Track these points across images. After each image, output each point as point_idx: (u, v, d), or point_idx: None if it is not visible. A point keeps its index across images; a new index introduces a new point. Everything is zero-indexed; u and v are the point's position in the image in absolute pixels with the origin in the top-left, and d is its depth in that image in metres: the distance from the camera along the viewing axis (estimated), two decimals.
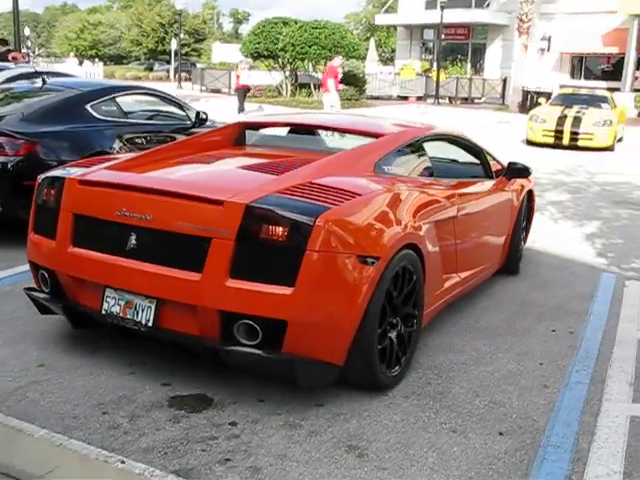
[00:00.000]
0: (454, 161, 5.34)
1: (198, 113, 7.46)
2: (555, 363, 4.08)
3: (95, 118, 6.41)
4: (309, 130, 4.65)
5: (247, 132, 4.62)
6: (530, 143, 16.53)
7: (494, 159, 5.38)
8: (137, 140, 6.68)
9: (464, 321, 4.71)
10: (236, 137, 4.59)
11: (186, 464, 2.86)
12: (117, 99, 6.75)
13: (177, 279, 3.17)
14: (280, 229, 3.00)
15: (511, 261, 5.53)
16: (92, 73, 36.57)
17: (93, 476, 2.57)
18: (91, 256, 3.43)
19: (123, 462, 2.58)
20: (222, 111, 17.77)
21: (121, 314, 3.36)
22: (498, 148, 14.82)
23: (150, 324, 3.28)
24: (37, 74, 8.19)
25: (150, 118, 7.35)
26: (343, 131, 4.47)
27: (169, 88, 30.34)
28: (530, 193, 5.85)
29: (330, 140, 4.56)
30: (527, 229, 6.06)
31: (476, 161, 5.13)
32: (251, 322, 3.07)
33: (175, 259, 3.20)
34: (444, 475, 2.87)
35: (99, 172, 3.70)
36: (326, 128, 4.59)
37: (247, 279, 3.05)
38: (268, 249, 3.04)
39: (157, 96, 7.50)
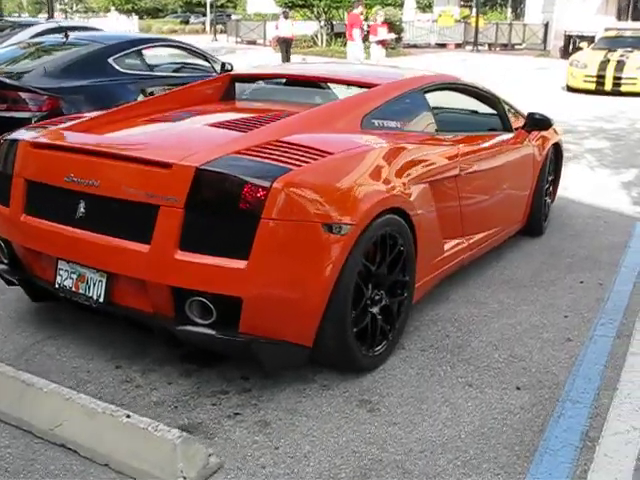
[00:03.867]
0: (468, 113, 5.06)
1: (223, 65, 7.36)
2: (581, 316, 3.95)
3: (118, 72, 6.35)
4: (305, 82, 4.33)
5: (239, 85, 4.41)
6: (571, 90, 15.97)
7: (515, 110, 5.12)
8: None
9: (489, 273, 4.59)
10: (225, 91, 4.37)
11: (195, 418, 2.85)
12: (141, 52, 6.68)
13: (125, 251, 2.90)
14: (232, 195, 2.70)
15: (534, 221, 5.22)
16: (127, 27, 36.40)
17: (100, 430, 2.57)
18: (42, 225, 3.17)
19: (129, 416, 2.58)
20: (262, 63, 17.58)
21: (73, 288, 3.12)
22: (537, 95, 14.49)
23: (102, 300, 3.04)
24: (61, 29, 8.14)
25: (175, 71, 7.27)
26: (335, 82, 4.18)
27: (204, 41, 30.08)
28: (557, 146, 5.54)
29: (326, 93, 4.26)
30: (555, 185, 5.77)
31: (492, 113, 4.89)
32: (203, 299, 2.79)
33: (124, 229, 2.93)
34: (456, 430, 2.80)
35: (53, 134, 3.41)
36: (317, 79, 4.29)
37: (198, 251, 2.76)
38: (220, 218, 2.75)
39: (182, 48, 7.41)
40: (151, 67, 6.79)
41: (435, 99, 5.12)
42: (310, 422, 2.84)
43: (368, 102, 3.69)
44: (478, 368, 3.31)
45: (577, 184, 7.06)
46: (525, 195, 5.05)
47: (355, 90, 4.00)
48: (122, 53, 6.43)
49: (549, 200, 5.57)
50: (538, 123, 4.81)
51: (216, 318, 2.84)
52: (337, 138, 3.33)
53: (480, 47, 29.71)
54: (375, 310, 3.22)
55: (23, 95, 5.73)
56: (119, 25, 34.87)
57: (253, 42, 31.39)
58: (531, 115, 4.84)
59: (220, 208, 2.77)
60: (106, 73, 6.25)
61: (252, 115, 3.71)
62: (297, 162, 2.89)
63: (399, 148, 3.46)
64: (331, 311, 2.93)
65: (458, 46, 31.24)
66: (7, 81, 5.71)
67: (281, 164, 2.85)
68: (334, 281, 2.89)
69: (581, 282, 4.49)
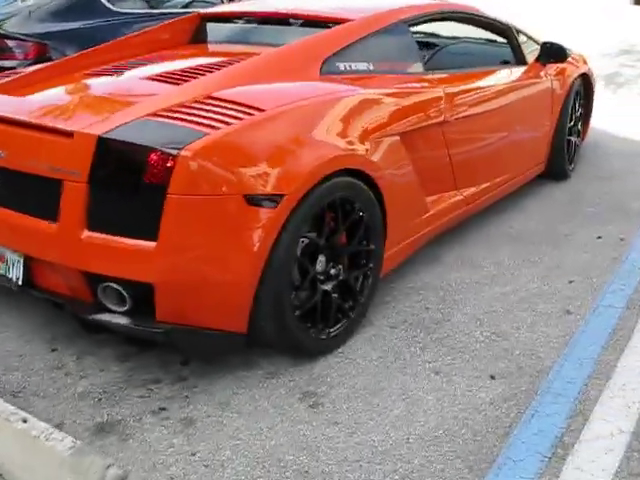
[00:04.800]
0: (472, 46, 4.44)
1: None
2: (589, 280, 3.44)
3: (112, 11, 5.91)
4: (280, 20, 3.74)
5: (213, 26, 3.92)
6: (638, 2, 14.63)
7: (535, 41, 4.47)
8: None
9: (494, 227, 4.09)
10: (194, 33, 3.88)
11: (116, 414, 2.54)
12: None
13: (36, 231, 2.59)
14: (136, 166, 2.34)
15: (556, 164, 4.64)
16: None
17: None
18: None
19: (25, 421, 2.30)
20: None
21: None
22: (598, 9, 13.28)
23: (20, 282, 2.74)
24: None
25: (185, 6, 6.77)
26: (304, 18, 3.60)
27: None
28: (585, 78, 4.87)
29: (304, 32, 3.61)
30: (585, 122, 5.12)
31: (502, 44, 4.27)
32: (115, 285, 2.47)
33: (33, 207, 2.61)
34: (405, 433, 2.40)
35: None
36: (285, 16, 3.68)
37: (106, 231, 2.43)
38: (125, 193, 2.40)
39: None
40: (153, 4, 6.33)
41: (443, 31, 4.56)
42: (240, 420, 2.50)
43: (331, 42, 3.18)
44: (452, 350, 2.88)
45: (621, 115, 6.33)
46: (543, 135, 4.46)
47: (324, 28, 3.47)
48: None
49: (576, 139, 4.94)
50: (552, 54, 4.19)
51: (131, 306, 2.51)
52: (279, 90, 2.85)
53: None
54: (328, 287, 2.81)
55: (8, 42, 5.41)
56: None
57: None
58: (544, 45, 4.22)
59: (125, 182, 2.40)
60: (99, 14, 5.82)
61: (201, 63, 3.23)
62: (218, 124, 2.46)
63: (359, 97, 2.95)
64: (264, 293, 2.54)
65: None
66: None
67: (196, 127, 2.43)
68: (264, 259, 2.49)
69: (599, 237, 3.95)
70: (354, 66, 3.20)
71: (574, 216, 4.25)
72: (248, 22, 3.90)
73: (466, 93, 3.60)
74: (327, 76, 3.05)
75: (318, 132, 2.69)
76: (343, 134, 2.77)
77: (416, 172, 3.22)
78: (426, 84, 3.39)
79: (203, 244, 2.41)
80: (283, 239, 2.52)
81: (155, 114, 2.53)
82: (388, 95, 3.11)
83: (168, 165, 2.31)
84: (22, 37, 5.34)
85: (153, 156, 2.32)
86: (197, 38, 3.94)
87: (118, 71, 3.24)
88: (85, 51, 3.61)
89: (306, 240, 2.67)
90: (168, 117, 2.51)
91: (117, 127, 2.44)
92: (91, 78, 3.17)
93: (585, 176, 4.94)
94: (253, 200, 2.43)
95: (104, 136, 2.41)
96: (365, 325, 3.06)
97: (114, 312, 2.54)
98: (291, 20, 3.72)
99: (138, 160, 2.35)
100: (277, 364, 2.81)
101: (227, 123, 2.47)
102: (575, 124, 4.87)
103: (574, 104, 4.74)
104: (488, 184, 3.91)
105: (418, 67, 3.48)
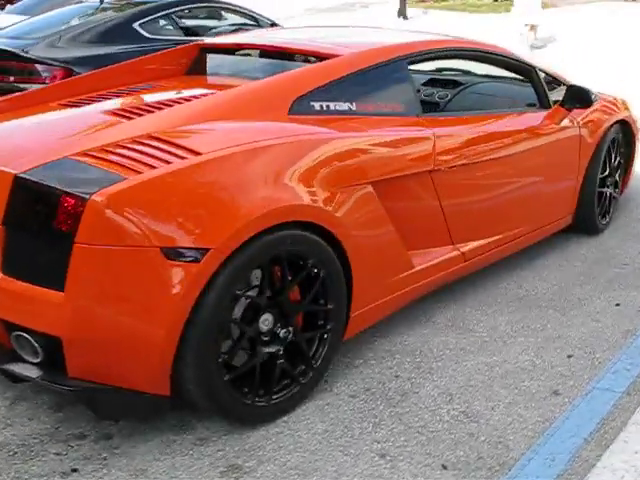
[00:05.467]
0: (488, 88, 4.13)
1: (273, 24, 6.73)
2: (591, 356, 3.04)
3: (145, 38, 5.91)
4: (276, 54, 3.47)
5: (214, 57, 3.73)
6: None
7: (562, 82, 4.09)
8: None
9: (500, 286, 3.72)
10: (191, 63, 3.68)
11: (24, 472, 2.35)
12: (172, 15, 6.19)
13: None
14: (46, 210, 2.16)
15: (585, 217, 4.23)
16: None
17: None
18: None
19: None
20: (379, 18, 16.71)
21: None
22: None
23: None
24: None
25: (219, 34, 6.73)
26: (294, 52, 3.36)
27: None
28: (625, 125, 4.45)
29: (295, 66, 3.38)
30: (627, 172, 4.69)
31: (523, 85, 3.93)
32: (26, 335, 2.26)
33: None
34: None
35: None
36: (274, 50, 3.45)
37: (17, 277, 2.25)
38: (37, 238, 2.22)
39: (228, 9, 6.83)
40: (187, 31, 6.28)
41: (462, 69, 4.28)
42: None
43: (308, 80, 2.93)
44: (409, 429, 2.55)
45: None
46: (568, 186, 4.07)
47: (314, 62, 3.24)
48: (151, 17, 5.97)
49: (612, 191, 4.50)
50: (576, 98, 3.81)
51: (43, 358, 2.31)
52: (230, 130, 2.60)
53: None
54: (273, 349, 2.55)
55: (38, 67, 5.45)
56: None
57: None
58: (569, 89, 3.85)
59: (36, 226, 2.23)
60: (130, 40, 5.82)
61: (173, 98, 3.05)
62: (143, 167, 2.25)
63: (322, 141, 2.68)
64: (188, 354, 2.29)
65: None
66: (16, 51, 5.43)
67: (115, 171, 2.23)
68: (185, 318, 2.24)
69: (617, 305, 3.52)
70: (333, 106, 2.94)
71: (596, 278, 3.83)
72: (246, 55, 3.71)
73: (466, 139, 3.28)
74: (297, 116, 2.81)
75: (262, 180, 2.43)
76: (294, 182, 2.50)
77: (396, 225, 2.93)
78: (416, 128, 3.10)
79: (115, 299, 2.20)
80: (209, 297, 2.27)
81: (81, 154, 2.34)
82: (362, 139, 2.84)
83: (78, 210, 2.12)
84: (49, 62, 5.37)
85: (63, 200, 2.14)
86: (193, 69, 3.77)
87: (85, 103, 3.09)
88: (72, 78, 3.51)
89: (243, 297, 2.43)
90: (93, 157, 2.32)
91: (36, 166, 2.27)
92: (51, 110, 3.03)
93: (620, 232, 4.49)
94: (172, 254, 2.20)
95: (20, 175, 2.24)
96: (323, 391, 2.77)
97: (27, 363, 2.36)
98: (290, 54, 3.49)
99: (49, 203, 2.17)
100: (212, 429, 2.55)
101: (154, 167, 2.26)
102: (611, 175, 4.45)
103: (609, 153, 4.33)
104: (494, 238, 3.55)
105: (412, 108, 3.18)
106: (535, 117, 3.81)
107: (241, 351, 2.49)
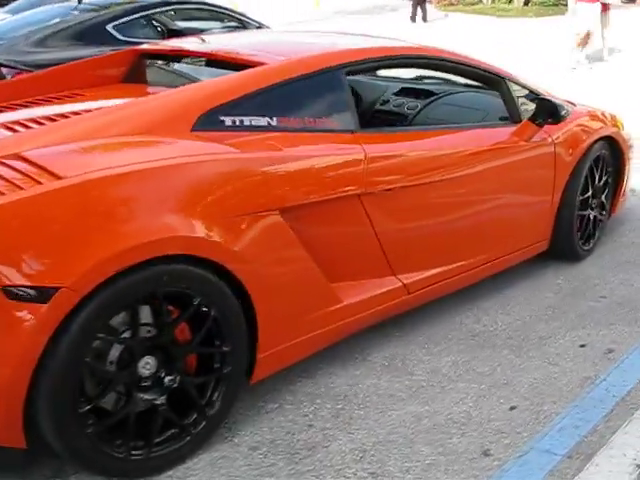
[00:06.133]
0: (450, 98, 3.79)
1: (260, 26, 6.45)
2: (537, 409, 2.67)
3: (120, 41, 5.66)
4: (210, 61, 3.15)
5: (155, 63, 3.45)
6: None
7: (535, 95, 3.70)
8: None
9: (458, 319, 3.36)
10: (129, 69, 3.41)
11: None
12: (151, 17, 5.95)
13: None
14: None
15: (562, 242, 3.83)
16: None
17: None
18: None
19: None
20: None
21: None
22: None
23: None
24: None
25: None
26: (223, 59, 3.04)
27: None
28: (611, 141, 4.03)
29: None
30: (617, 192, 4.26)
31: (490, 99, 3.58)
32: None
33: None
34: None
35: None
36: (206, 56, 3.13)
37: None
38: None
39: (211, 11, 6.57)
40: (166, 34, 6.02)
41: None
42: None
43: (220, 92, 2.61)
44: None
45: None
46: (542, 209, 3.69)
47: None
48: (125, 19, 5.73)
49: (597, 214, 4.10)
50: (545, 113, 3.43)
51: None
52: (110, 150, 2.29)
53: None
54: (152, 396, 2.25)
55: (2, 70, 5.24)
56: None
57: None
58: (539, 102, 3.47)
59: None
60: (103, 42, 5.58)
61: (76, 110, 2.77)
62: None
63: (218, 162, 2.36)
64: (41, 403, 2.01)
65: None
66: None
67: None
68: (34, 364, 1.96)
69: (582, 345, 3.14)
70: (249, 121, 2.62)
71: (566, 313, 3.45)
72: (182, 61, 3.42)
73: (409, 158, 2.94)
74: (201, 133, 2.50)
75: (132, 207, 2.12)
76: (174, 211, 2.19)
77: (318, 255, 2.61)
78: (346, 146, 2.77)
79: None
80: (64, 341, 1.99)
81: None
82: (274, 159, 2.52)
83: None
84: (13, 65, 5.15)
85: None
86: (130, 76, 3.49)
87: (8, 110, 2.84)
88: (14, 79, 3.27)
89: (109, 340, 2.13)
90: None
91: None
92: None
93: (605, 259, 4.09)
94: (14, 293, 1.92)
95: None
96: (222, 441, 2.46)
97: None
98: (223, 62, 3.19)
99: None
100: None
101: (1, 193, 1.99)
102: (595, 196, 4.05)
103: (592, 173, 3.94)
104: (446, 268, 3.20)
105: (347, 124, 2.84)
106: (500, 133, 3.45)
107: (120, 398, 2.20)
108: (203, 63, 3.22)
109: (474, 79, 3.70)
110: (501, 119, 3.60)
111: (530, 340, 3.18)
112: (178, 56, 3.38)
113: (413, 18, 18.50)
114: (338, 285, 2.76)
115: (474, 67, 3.48)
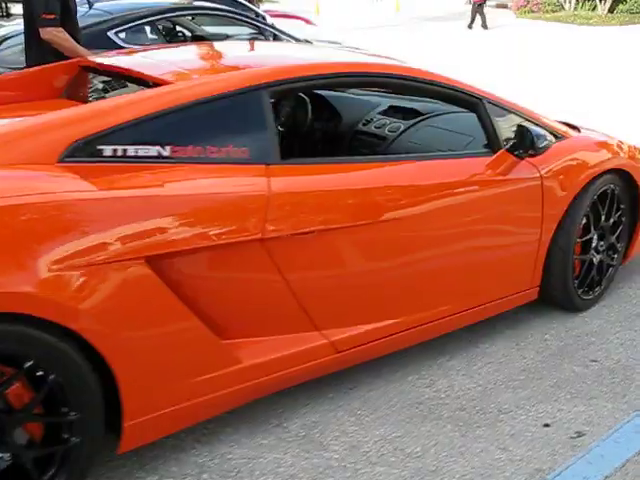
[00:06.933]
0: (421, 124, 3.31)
1: (275, 36, 6.09)
2: None
3: (119, 47, 5.43)
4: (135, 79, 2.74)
5: (90, 76, 3.13)
6: None
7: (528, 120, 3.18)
8: None
9: (411, 379, 2.89)
10: (71, 83, 3.10)
11: None
12: (155, 23, 5.69)
13: None
14: None
15: (555, 290, 3.31)
16: None
17: None
18: None
19: None
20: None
21: None
22: None
23: None
24: None
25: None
26: (136, 77, 2.67)
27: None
28: (624, 175, 3.42)
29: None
30: (634, 232, 3.67)
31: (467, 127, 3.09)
32: None
33: None
34: None
35: None
36: (124, 73, 2.76)
37: None
38: None
39: (222, 16, 6.24)
40: (173, 41, 5.76)
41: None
42: None
43: (103, 116, 2.26)
44: None
45: None
46: (525, 253, 3.16)
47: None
48: (127, 26, 5.48)
49: (605, 258, 3.52)
50: (521, 142, 2.91)
51: None
52: None
53: None
54: None
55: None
56: None
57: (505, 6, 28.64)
58: (517, 130, 2.95)
59: None
60: (103, 48, 5.34)
61: None
62: None
63: (68, 202, 2.00)
64: None
65: None
66: None
67: None
68: None
69: (546, 425, 2.62)
70: (135, 151, 2.25)
71: (542, 379, 2.92)
72: (106, 77, 3.10)
73: (336, 196, 2.51)
74: (69, 164, 2.14)
75: None
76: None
77: (202, 310, 2.22)
78: (250, 181, 2.35)
79: None
80: None
81: None
82: (142, 199, 2.14)
83: None
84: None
85: None
86: (70, 89, 3.19)
87: None
88: None
89: None
90: None
91: None
92: None
93: (613, 310, 3.51)
94: None
95: None
96: None
97: None
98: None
99: None
100: None
101: None
102: (603, 237, 3.48)
103: (595, 210, 3.37)
104: (389, 322, 2.73)
105: (261, 154, 2.42)
106: (471, 164, 2.95)
107: None
108: (123, 81, 2.88)
109: (444, 100, 3.22)
110: (485, 146, 3.12)
111: (485, 414, 2.68)
112: (106, 71, 3.06)
113: (470, 25, 18.14)
114: (236, 343, 2.36)
115: (445, 87, 2.99)
